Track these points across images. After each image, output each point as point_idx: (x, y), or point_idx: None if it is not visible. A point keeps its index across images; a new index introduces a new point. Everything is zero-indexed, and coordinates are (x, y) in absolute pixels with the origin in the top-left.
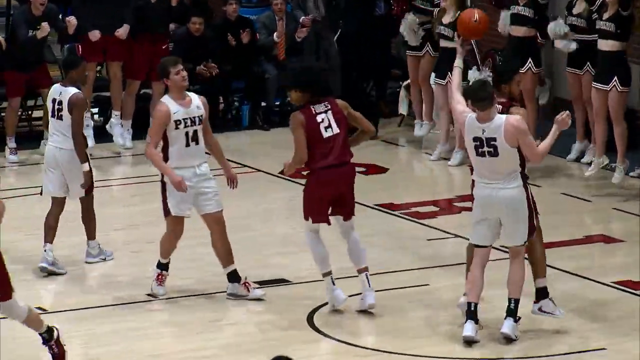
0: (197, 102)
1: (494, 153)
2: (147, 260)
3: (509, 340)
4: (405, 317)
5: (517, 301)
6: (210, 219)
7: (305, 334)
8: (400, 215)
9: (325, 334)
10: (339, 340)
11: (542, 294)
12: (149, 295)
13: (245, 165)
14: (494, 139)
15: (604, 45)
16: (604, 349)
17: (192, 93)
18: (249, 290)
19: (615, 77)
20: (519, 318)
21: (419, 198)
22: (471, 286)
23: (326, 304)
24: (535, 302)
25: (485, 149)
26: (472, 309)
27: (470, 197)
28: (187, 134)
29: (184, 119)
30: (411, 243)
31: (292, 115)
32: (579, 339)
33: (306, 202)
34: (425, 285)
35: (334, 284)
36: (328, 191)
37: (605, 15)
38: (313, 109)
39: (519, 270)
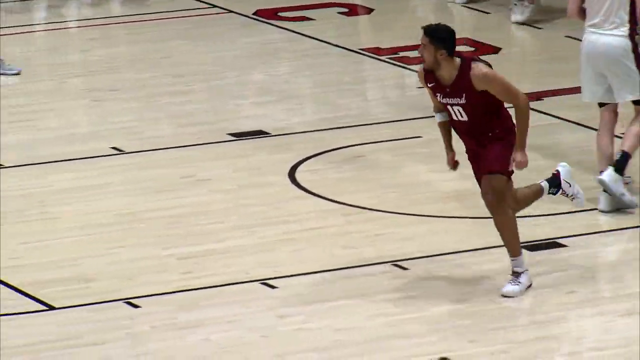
0: None
1: None
2: (111, 110)
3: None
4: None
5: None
6: None
7: (288, 191)
8: (389, 60)
9: (308, 191)
10: (324, 198)
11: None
12: (113, 148)
13: (215, 6)
14: None
15: None
16: None
17: None
18: None
19: None
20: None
21: (405, 42)
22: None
23: (308, 158)
24: None
25: None
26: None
27: None
28: None
29: None
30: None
31: None
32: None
33: None
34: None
35: None
36: None
37: None
38: None
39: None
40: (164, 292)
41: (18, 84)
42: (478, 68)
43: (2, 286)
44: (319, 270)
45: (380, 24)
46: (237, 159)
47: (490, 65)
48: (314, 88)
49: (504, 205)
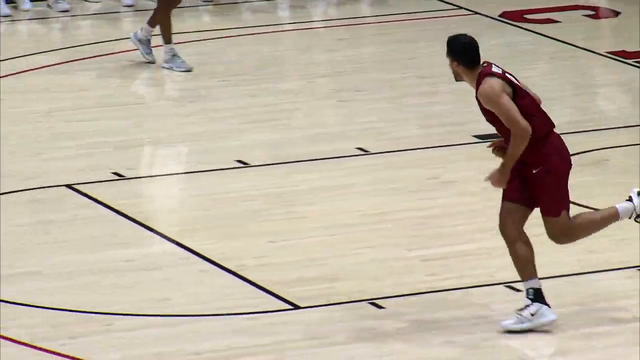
0: None
1: None
2: (357, 111)
3: None
4: None
5: None
6: None
7: None
8: (635, 64)
9: None
10: None
11: None
12: (359, 149)
13: (461, 7)
14: None
15: None
16: None
17: None
18: None
19: None
20: None
21: None
22: None
23: None
24: None
25: None
26: None
27: None
28: None
29: None
30: None
31: None
32: None
33: None
34: None
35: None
36: None
37: None
38: None
39: None
40: (409, 293)
41: (266, 82)
42: (485, 83)
43: (248, 285)
44: (562, 274)
45: (627, 27)
46: (483, 161)
47: (506, 79)
48: (560, 91)
49: (573, 232)
